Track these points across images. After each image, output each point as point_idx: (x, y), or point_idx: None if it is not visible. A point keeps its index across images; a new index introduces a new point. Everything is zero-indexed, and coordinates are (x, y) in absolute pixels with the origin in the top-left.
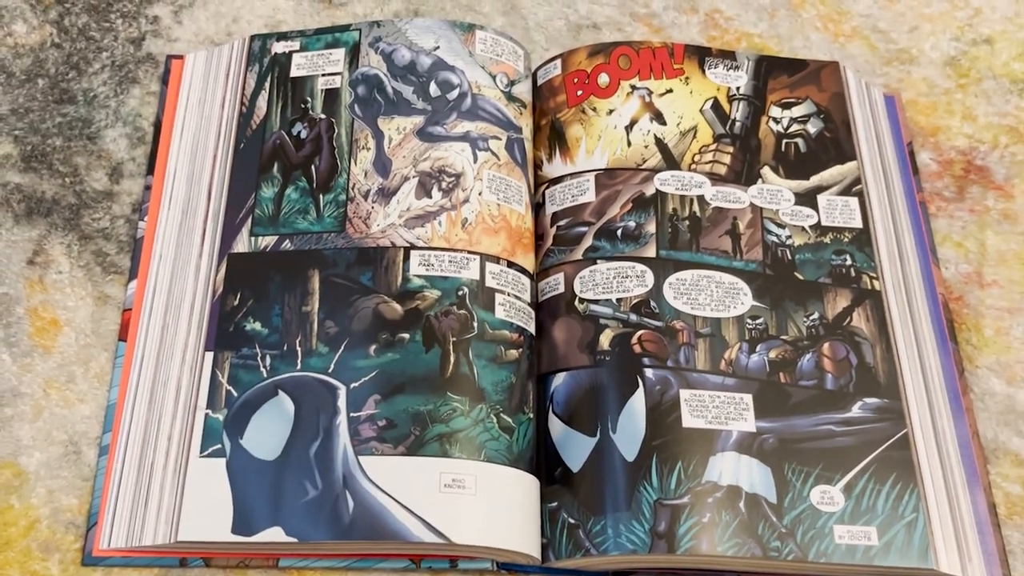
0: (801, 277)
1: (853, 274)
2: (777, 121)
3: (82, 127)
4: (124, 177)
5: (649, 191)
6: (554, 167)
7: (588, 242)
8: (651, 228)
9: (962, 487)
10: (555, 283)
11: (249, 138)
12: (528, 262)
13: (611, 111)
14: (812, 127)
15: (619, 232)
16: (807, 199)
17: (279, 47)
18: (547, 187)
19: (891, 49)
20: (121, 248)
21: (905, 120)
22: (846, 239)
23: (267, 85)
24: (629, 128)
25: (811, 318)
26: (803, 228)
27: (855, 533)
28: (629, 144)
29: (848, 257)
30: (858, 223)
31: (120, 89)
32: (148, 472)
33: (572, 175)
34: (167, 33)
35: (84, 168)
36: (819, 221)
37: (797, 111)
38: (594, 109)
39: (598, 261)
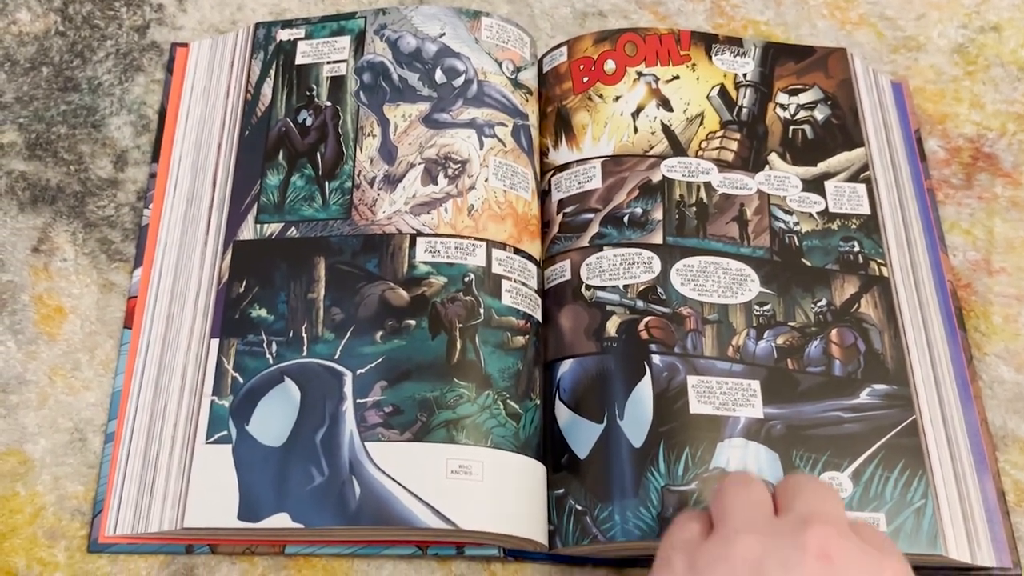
0: (809, 263)
1: (861, 260)
2: (784, 108)
3: (87, 115)
4: (129, 165)
5: (656, 178)
6: (560, 154)
7: (594, 229)
8: (658, 215)
9: (971, 474)
10: (561, 270)
11: (254, 126)
12: (534, 249)
13: (617, 98)
14: (819, 113)
15: (626, 219)
16: (814, 186)
17: (284, 35)
18: (553, 174)
19: (898, 36)
20: (126, 236)
21: (913, 107)
22: (854, 226)
23: (272, 73)
24: (635, 115)
25: (819, 304)
26: (811, 215)
27: (864, 520)
28: (636, 131)
29: (856, 244)
30: (866, 210)
31: (125, 77)
32: (154, 459)
33: (578, 162)
34: (172, 21)
35: (89, 156)
36: (827, 207)
37: (804, 98)
38: (600, 96)
39: (604, 248)
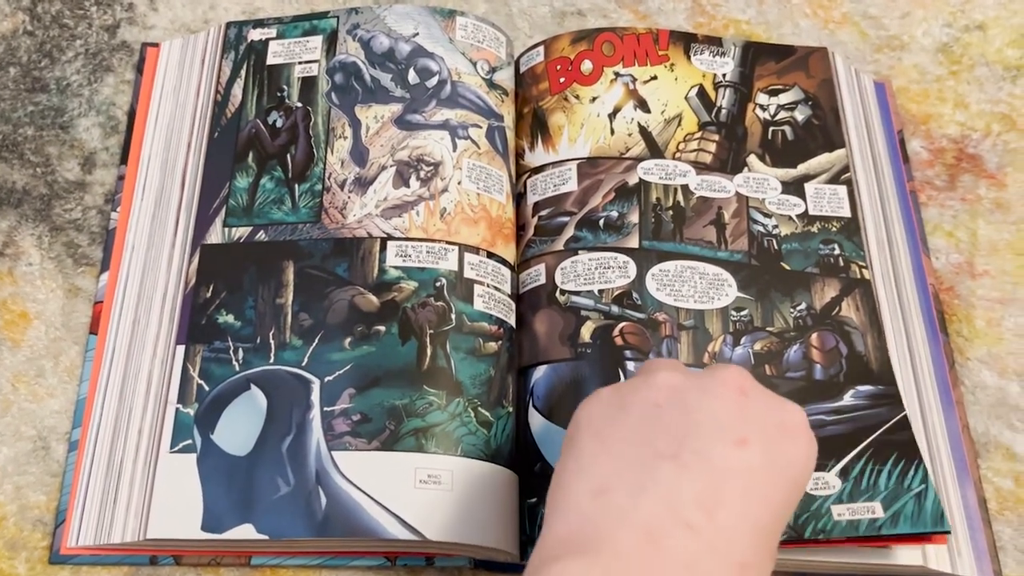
0: (788, 267)
1: (842, 263)
2: (764, 108)
3: (54, 116)
4: (97, 167)
5: (632, 180)
6: (536, 156)
7: (570, 232)
8: (634, 218)
9: (952, 482)
10: (536, 274)
11: (224, 127)
12: (509, 253)
13: (594, 98)
14: (800, 114)
15: (601, 222)
16: (794, 188)
17: (255, 34)
18: (529, 176)
19: (882, 36)
20: (93, 239)
21: (896, 107)
22: (834, 228)
23: (243, 73)
24: (612, 116)
25: (798, 309)
26: (790, 217)
27: (856, 510)
28: (612, 132)
29: (836, 246)
30: (846, 212)
31: (94, 77)
32: (117, 468)
33: (554, 164)
34: (142, 21)
35: (56, 158)
36: (806, 210)
37: (784, 98)
38: (577, 96)
39: (580, 252)
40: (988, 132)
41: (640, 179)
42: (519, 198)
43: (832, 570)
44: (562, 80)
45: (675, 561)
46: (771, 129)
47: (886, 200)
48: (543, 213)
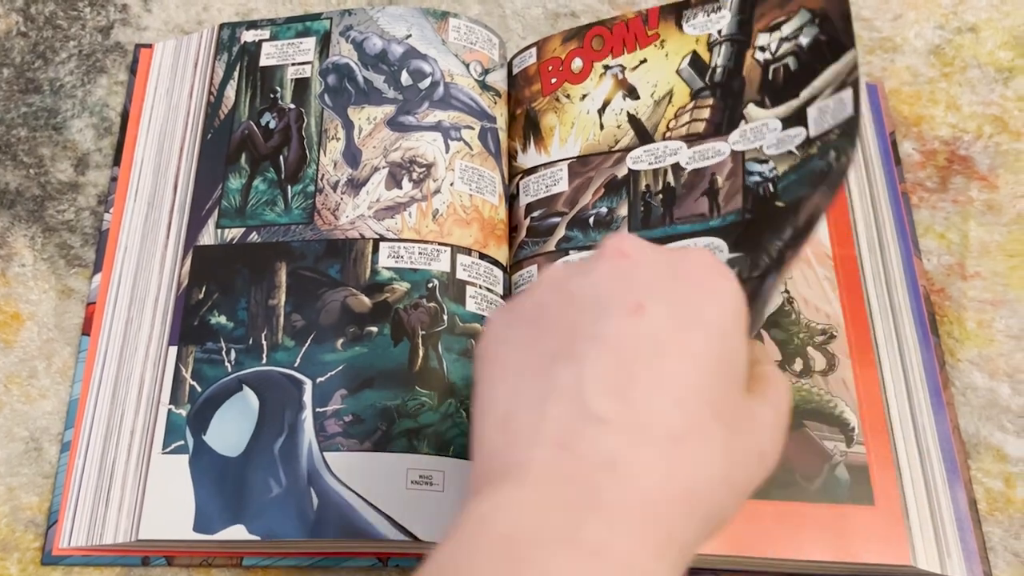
0: (782, 204)
1: (833, 162)
2: (764, 49)
3: (48, 117)
4: (90, 168)
5: (621, 172)
6: (528, 157)
7: (561, 233)
8: (623, 211)
9: (942, 483)
10: (529, 275)
11: (217, 128)
12: (501, 254)
13: (584, 96)
14: (805, 37)
15: (591, 220)
16: (796, 119)
17: (248, 36)
18: (521, 178)
19: (874, 37)
20: (86, 241)
21: (888, 109)
22: (834, 136)
23: (236, 74)
24: (602, 111)
25: (783, 238)
26: (790, 151)
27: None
28: (601, 128)
29: (833, 151)
30: (848, 112)
31: (87, 79)
32: (110, 469)
33: (546, 165)
34: (136, 22)
35: (49, 159)
36: (807, 136)
37: (787, 28)
38: (568, 96)
39: (571, 252)
40: (980, 134)
41: (629, 170)
42: (512, 200)
43: (818, 570)
44: (553, 80)
45: (595, 463)
46: (771, 68)
47: (877, 202)
48: (535, 214)
